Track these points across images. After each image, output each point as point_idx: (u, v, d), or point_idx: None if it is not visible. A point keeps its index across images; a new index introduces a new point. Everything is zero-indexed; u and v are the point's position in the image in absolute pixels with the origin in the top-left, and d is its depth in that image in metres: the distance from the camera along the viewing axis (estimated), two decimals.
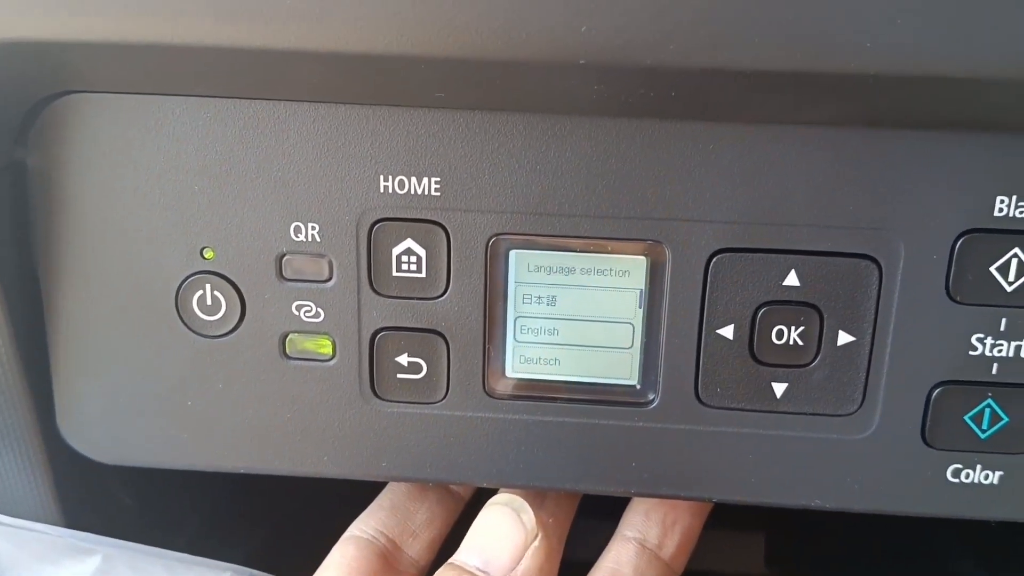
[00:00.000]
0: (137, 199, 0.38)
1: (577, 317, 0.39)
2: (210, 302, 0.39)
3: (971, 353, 0.37)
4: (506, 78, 0.33)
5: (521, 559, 0.39)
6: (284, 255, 0.38)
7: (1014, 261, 0.36)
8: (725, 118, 0.35)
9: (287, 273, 0.39)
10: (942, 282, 0.36)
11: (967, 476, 0.38)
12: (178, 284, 0.39)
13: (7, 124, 0.37)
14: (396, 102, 0.36)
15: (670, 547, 0.42)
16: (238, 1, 0.32)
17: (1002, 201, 0.35)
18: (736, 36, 0.31)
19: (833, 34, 0.30)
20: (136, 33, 0.33)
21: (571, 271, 0.38)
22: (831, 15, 0.30)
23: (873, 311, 0.37)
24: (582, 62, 0.32)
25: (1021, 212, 0.35)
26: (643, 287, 0.38)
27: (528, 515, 0.40)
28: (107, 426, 0.41)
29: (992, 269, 0.36)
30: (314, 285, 0.39)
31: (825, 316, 0.37)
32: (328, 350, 0.39)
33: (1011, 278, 0.36)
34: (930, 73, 0.31)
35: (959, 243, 0.36)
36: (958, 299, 0.36)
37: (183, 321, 0.39)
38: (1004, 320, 0.36)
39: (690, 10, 0.30)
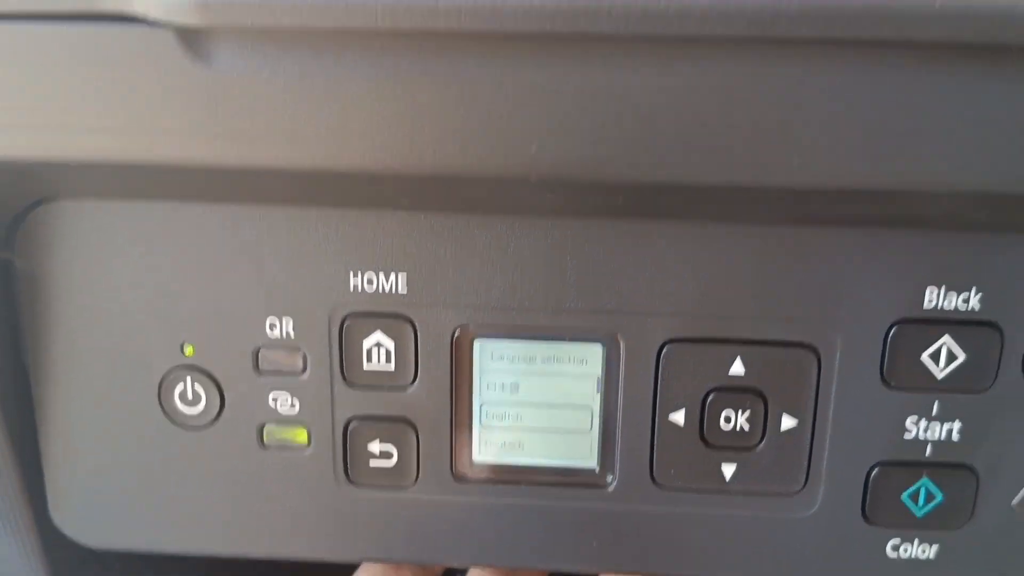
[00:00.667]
0: (119, 298, 0.40)
1: (539, 403, 0.41)
2: (191, 396, 0.41)
3: (906, 436, 0.39)
4: (464, 189, 0.36)
5: None
6: (260, 349, 0.41)
7: (944, 348, 0.38)
8: (670, 219, 0.38)
9: (263, 366, 0.41)
10: (877, 369, 0.39)
11: (905, 551, 0.40)
12: (160, 378, 0.41)
13: None
14: (363, 206, 0.39)
15: None
16: (208, 122, 0.34)
17: (931, 292, 0.38)
18: (673, 154, 0.33)
19: (763, 153, 0.33)
20: (109, 153, 0.35)
21: (532, 359, 0.40)
22: (760, 136, 0.33)
23: (814, 396, 0.39)
24: (533, 179, 0.34)
25: (950, 302, 0.38)
26: (600, 374, 0.40)
27: None
28: (96, 513, 0.43)
29: (923, 357, 0.38)
30: (289, 377, 0.41)
31: (769, 401, 0.39)
32: (303, 439, 0.41)
33: (941, 364, 0.38)
34: (854, 187, 0.33)
35: (892, 332, 0.38)
36: (892, 384, 0.39)
37: (166, 413, 0.42)
38: (936, 403, 0.39)
39: (630, 131, 0.33)
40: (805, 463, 0.40)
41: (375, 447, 0.41)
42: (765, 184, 0.34)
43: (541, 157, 0.34)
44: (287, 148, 0.34)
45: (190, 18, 0.32)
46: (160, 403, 0.42)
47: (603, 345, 0.40)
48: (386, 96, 0.33)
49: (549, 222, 0.38)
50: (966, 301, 0.38)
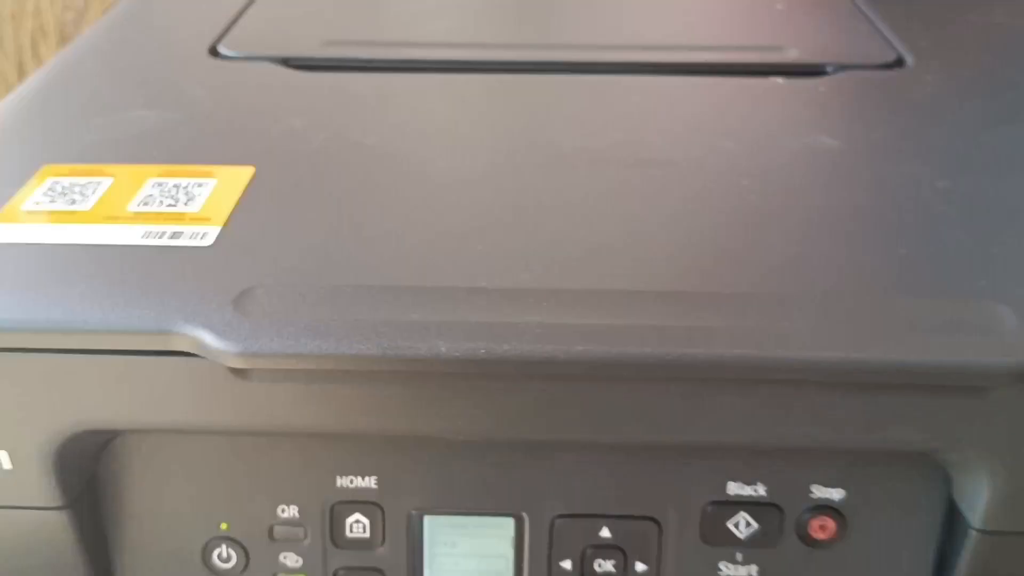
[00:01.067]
0: (176, 494, 0.57)
1: (471, 554, 0.59)
2: (225, 556, 0.59)
3: (719, 575, 0.58)
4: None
5: None
6: (274, 526, 0.58)
7: (742, 520, 0.57)
8: (553, 442, 0.56)
9: (276, 536, 0.58)
10: (698, 532, 0.57)
11: None
12: (203, 544, 0.59)
13: (89, 458, 0.56)
14: (345, 433, 0.56)
15: None
16: (243, 409, 0.51)
17: (732, 484, 0.56)
18: (566, 423, 0.51)
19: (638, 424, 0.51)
20: (170, 424, 0.52)
21: (466, 527, 0.58)
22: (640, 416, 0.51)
23: (657, 550, 0.57)
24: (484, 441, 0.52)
25: (744, 491, 0.56)
26: (512, 537, 0.58)
27: None
28: None
29: (728, 525, 0.57)
30: (295, 543, 0.58)
31: (628, 553, 0.57)
32: None
33: (741, 530, 0.57)
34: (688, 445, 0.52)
35: (707, 509, 0.56)
36: (709, 542, 0.57)
37: (207, 568, 0.59)
38: (739, 554, 0.57)
39: (546, 413, 0.51)
40: None
41: None
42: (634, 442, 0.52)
43: (488, 431, 0.52)
44: (300, 419, 0.52)
45: (239, 364, 0.49)
46: (203, 561, 0.59)
47: (513, 519, 0.58)
48: (371, 398, 0.51)
49: (478, 444, 0.56)
50: (755, 490, 0.56)
